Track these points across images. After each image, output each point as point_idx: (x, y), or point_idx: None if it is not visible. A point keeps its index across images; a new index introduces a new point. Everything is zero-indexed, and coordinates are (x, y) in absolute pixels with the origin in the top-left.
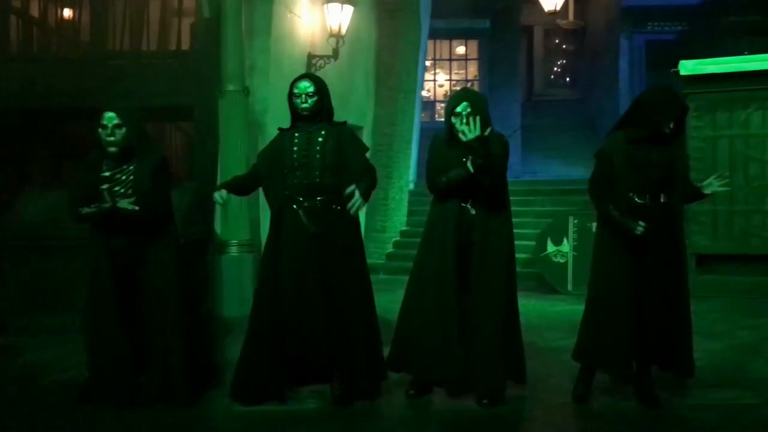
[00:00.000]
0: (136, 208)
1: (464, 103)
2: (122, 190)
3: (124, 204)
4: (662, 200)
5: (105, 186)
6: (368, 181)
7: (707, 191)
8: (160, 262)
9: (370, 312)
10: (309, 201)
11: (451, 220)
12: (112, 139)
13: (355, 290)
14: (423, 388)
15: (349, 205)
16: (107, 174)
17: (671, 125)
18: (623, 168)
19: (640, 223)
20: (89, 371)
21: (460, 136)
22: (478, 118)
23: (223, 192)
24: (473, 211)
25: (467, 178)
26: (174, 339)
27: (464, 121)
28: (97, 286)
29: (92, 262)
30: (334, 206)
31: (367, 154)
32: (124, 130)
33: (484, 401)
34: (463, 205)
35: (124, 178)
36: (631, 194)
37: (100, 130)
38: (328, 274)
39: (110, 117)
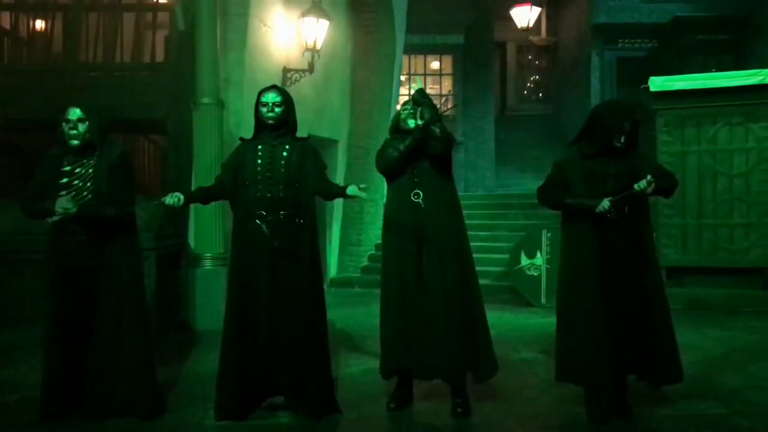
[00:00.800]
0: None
1: (412, 102)
2: (81, 184)
3: (86, 208)
4: (626, 211)
5: (65, 180)
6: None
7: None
8: (118, 267)
9: (325, 327)
10: (272, 215)
11: (407, 217)
12: (74, 132)
13: (315, 305)
14: (403, 401)
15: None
16: (67, 168)
17: (621, 140)
18: (580, 183)
19: (605, 199)
20: (42, 383)
21: (409, 121)
22: (418, 79)
23: (179, 195)
24: (423, 205)
25: (419, 144)
26: (135, 349)
27: (410, 111)
28: (49, 292)
29: (46, 266)
30: (297, 220)
31: (339, 171)
32: (86, 124)
33: (459, 410)
34: (414, 200)
35: (83, 171)
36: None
37: (63, 124)
38: (293, 288)
39: (74, 111)
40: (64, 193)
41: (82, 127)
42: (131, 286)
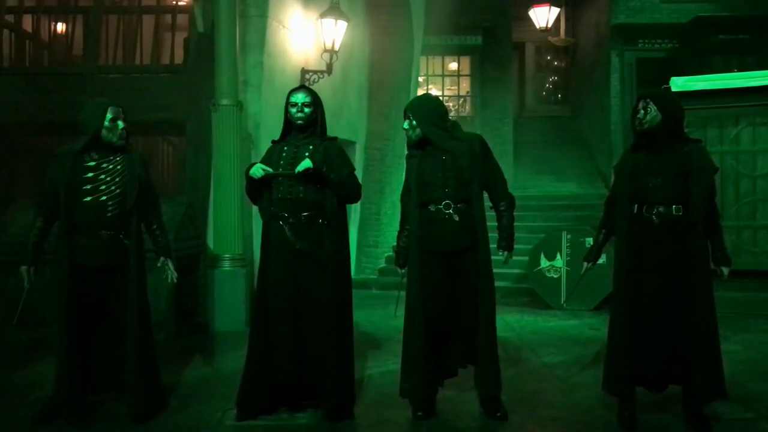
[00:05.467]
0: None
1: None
2: (108, 178)
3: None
4: (675, 213)
5: (89, 174)
6: (347, 184)
7: None
8: (128, 266)
9: (350, 330)
10: (294, 216)
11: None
12: (118, 133)
13: (339, 308)
14: (429, 411)
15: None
16: (92, 164)
17: (636, 119)
18: (627, 177)
19: (586, 265)
20: (55, 383)
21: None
22: None
23: (261, 168)
24: (456, 218)
25: None
26: (148, 350)
27: (406, 126)
28: (63, 291)
29: (58, 265)
30: (320, 221)
31: (356, 173)
32: (124, 123)
33: (498, 414)
34: (446, 212)
35: (110, 167)
36: (641, 207)
37: (108, 123)
38: (315, 291)
39: (118, 111)
40: (89, 187)
41: (121, 125)
42: (137, 286)
